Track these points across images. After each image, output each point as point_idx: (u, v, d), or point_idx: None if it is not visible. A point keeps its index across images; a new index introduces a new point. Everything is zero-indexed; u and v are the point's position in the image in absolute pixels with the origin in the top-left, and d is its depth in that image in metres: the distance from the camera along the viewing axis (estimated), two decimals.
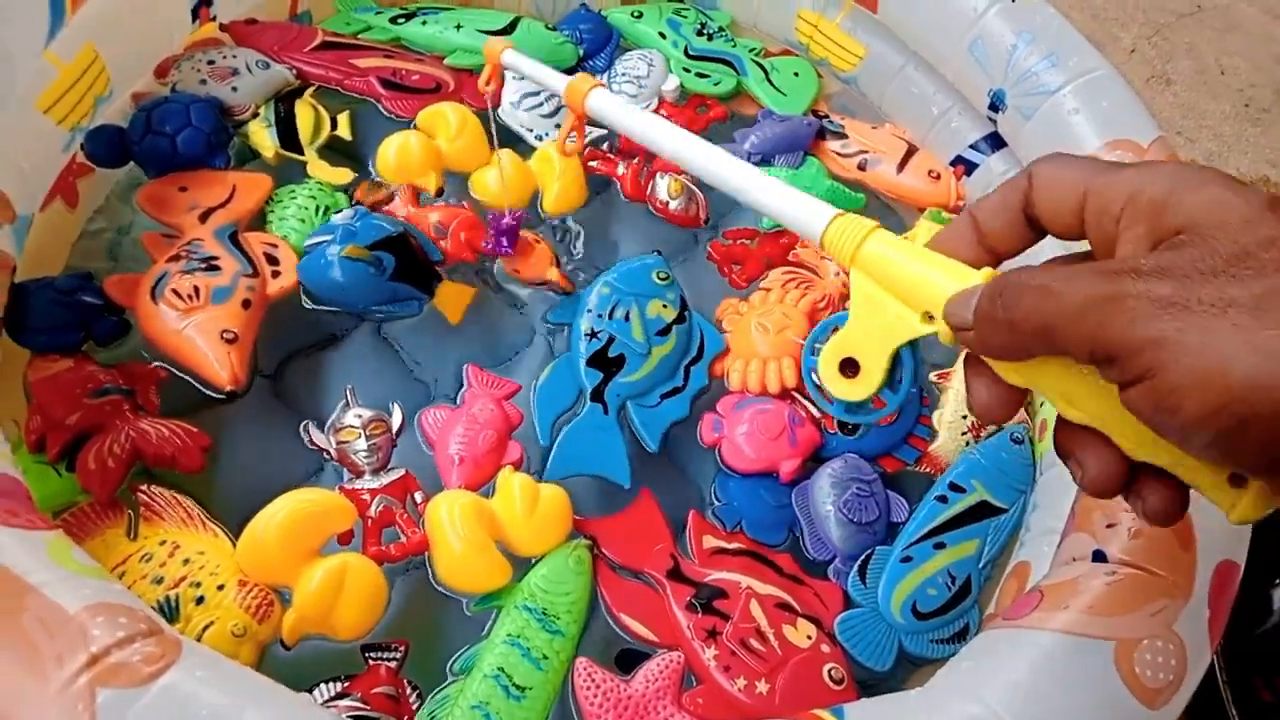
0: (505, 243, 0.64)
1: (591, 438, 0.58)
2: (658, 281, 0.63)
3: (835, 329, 0.38)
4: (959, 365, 0.66)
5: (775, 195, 0.40)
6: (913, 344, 0.37)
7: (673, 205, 0.72)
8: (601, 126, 0.60)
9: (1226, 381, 0.25)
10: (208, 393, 0.56)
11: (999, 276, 0.31)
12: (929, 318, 0.34)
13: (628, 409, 0.60)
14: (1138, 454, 0.31)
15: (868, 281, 0.36)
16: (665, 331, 0.62)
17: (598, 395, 0.59)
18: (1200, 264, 0.26)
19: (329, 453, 0.56)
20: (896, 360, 0.37)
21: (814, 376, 0.38)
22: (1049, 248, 0.38)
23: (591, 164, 0.72)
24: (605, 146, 0.74)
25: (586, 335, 0.61)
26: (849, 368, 0.37)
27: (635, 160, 0.73)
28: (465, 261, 0.66)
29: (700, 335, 0.64)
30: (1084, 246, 0.33)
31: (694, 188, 0.74)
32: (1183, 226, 0.28)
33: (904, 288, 0.35)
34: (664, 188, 0.72)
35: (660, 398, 0.61)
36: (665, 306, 0.63)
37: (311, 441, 0.56)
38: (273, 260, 0.61)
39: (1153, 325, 0.26)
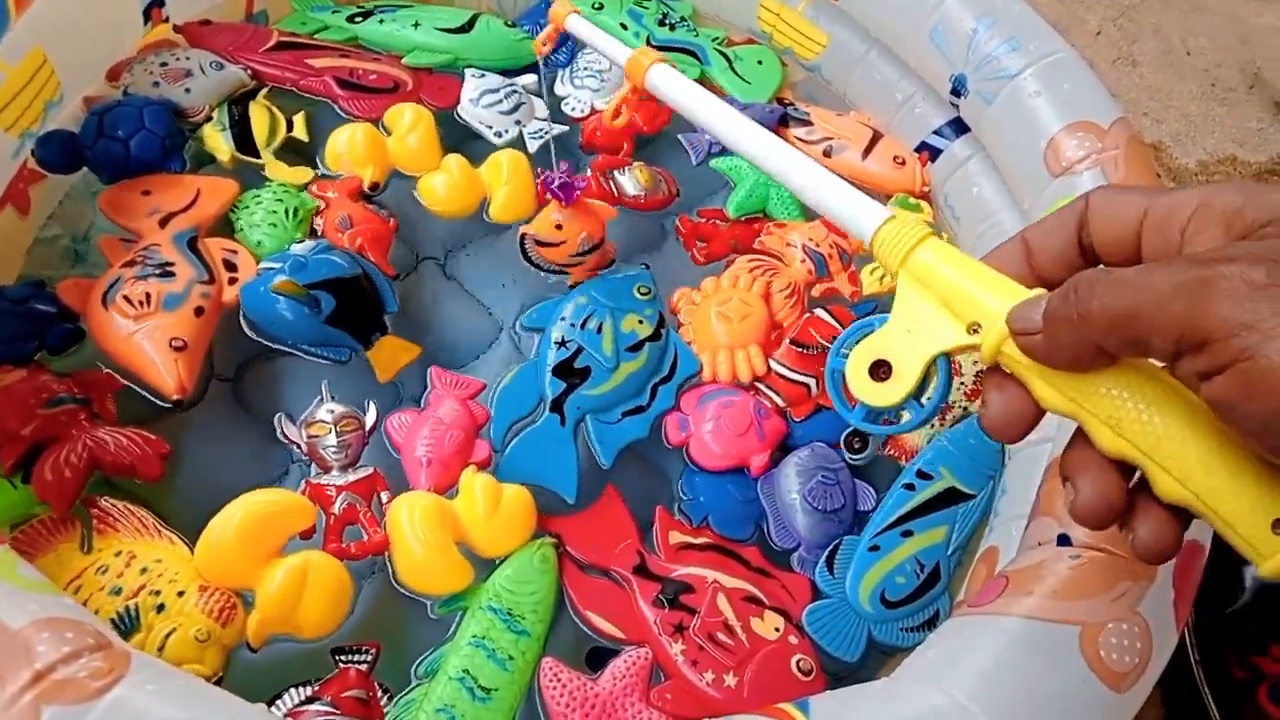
0: (563, 194, 0.62)
1: (543, 448, 0.57)
2: (638, 296, 0.63)
3: (867, 334, 0.37)
4: None
5: (827, 189, 0.39)
6: (947, 357, 0.36)
7: (645, 196, 0.71)
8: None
9: None
10: (156, 401, 0.55)
11: (1074, 276, 0.30)
12: (974, 330, 0.34)
13: (586, 423, 0.59)
14: (1175, 491, 0.30)
15: (914, 286, 0.36)
16: (637, 348, 0.61)
17: (557, 405, 0.58)
18: None
19: (300, 446, 0.55)
20: (928, 372, 0.36)
21: (839, 379, 0.37)
22: None
23: (547, 195, 0.71)
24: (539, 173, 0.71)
25: (555, 343, 0.60)
26: (880, 371, 0.36)
27: (589, 174, 0.72)
28: (388, 276, 0.63)
29: (675, 355, 0.63)
30: None
31: (657, 170, 0.73)
32: (1269, 220, 0.28)
33: (953, 298, 0.34)
34: (631, 182, 0.72)
35: (621, 415, 0.60)
36: (641, 322, 0.62)
37: (284, 434, 0.55)
38: (231, 267, 0.60)
39: (1247, 307, 0.25)
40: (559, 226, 0.63)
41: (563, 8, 0.54)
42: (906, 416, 0.37)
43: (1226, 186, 0.30)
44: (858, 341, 0.37)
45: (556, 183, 0.61)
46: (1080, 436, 0.32)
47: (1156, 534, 0.31)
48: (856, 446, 0.57)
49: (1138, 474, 0.32)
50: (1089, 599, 0.43)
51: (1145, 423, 0.30)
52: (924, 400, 0.36)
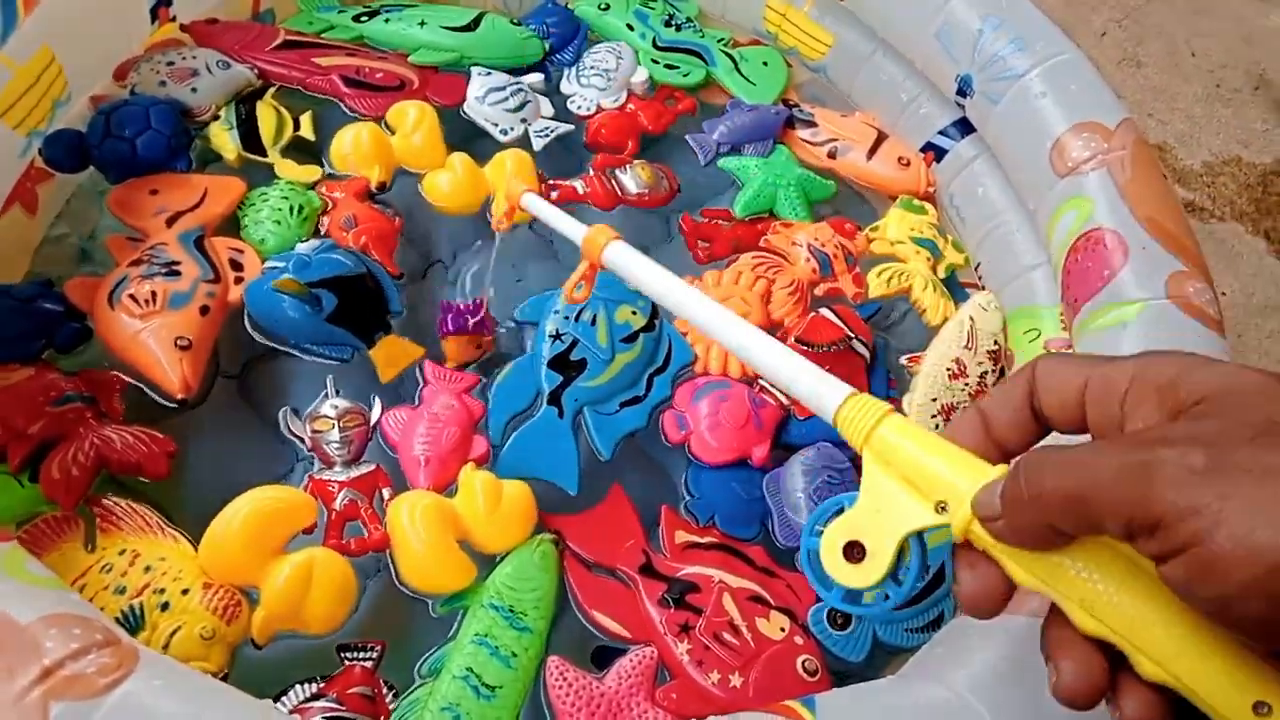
0: (484, 328, 0.62)
1: (543, 441, 0.58)
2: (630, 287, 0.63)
3: (840, 510, 0.36)
4: (930, 349, 0.65)
5: (790, 368, 0.39)
6: (920, 535, 0.35)
7: (648, 193, 0.72)
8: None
9: (1277, 547, 0.24)
10: (161, 400, 0.55)
11: (1021, 457, 0.31)
12: (941, 509, 0.33)
13: (584, 414, 0.59)
14: (1155, 672, 0.29)
15: (879, 465, 0.35)
16: (631, 339, 0.61)
17: (555, 398, 0.59)
18: (1230, 433, 0.26)
19: (304, 440, 0.55)
20: (902, 549, 0.35)
21: (815, 559, 0.36)
22: None
23: (551, 196, 0.71)
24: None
25: (550, 336, 0.60)
26: (854, 551, 0.35)
27: (590, 174, 0.72)
28: (392, 275, 0.63)
29: (669, 345, 0.63)
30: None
31: (658, 166, 0.74)
32: (1200, 399, 0.28)
33: (917, 476, 0.34)
34: (632, 180, 0.72)
35: (619, 406, 0.60)
36: (635, 313, 0.62)
37: (289, 428, 0.56)
38: (237, 266, 0.60)
39: (1193, 493, 0.25)
40: (479, 346, 0.62)
41: (517, 186, 0.55)
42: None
43: (1162, 358, 0.30)
44: (829, 521, 0.36)
45: (472, 323, 0.60)
46: (1058, 613, 0.32)
47: (1143, 712, 0.30)
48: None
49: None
50: None
51: (1115, 604, 0.29)
52: (900, 578, 0.35)
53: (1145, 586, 0.29)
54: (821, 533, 0.36)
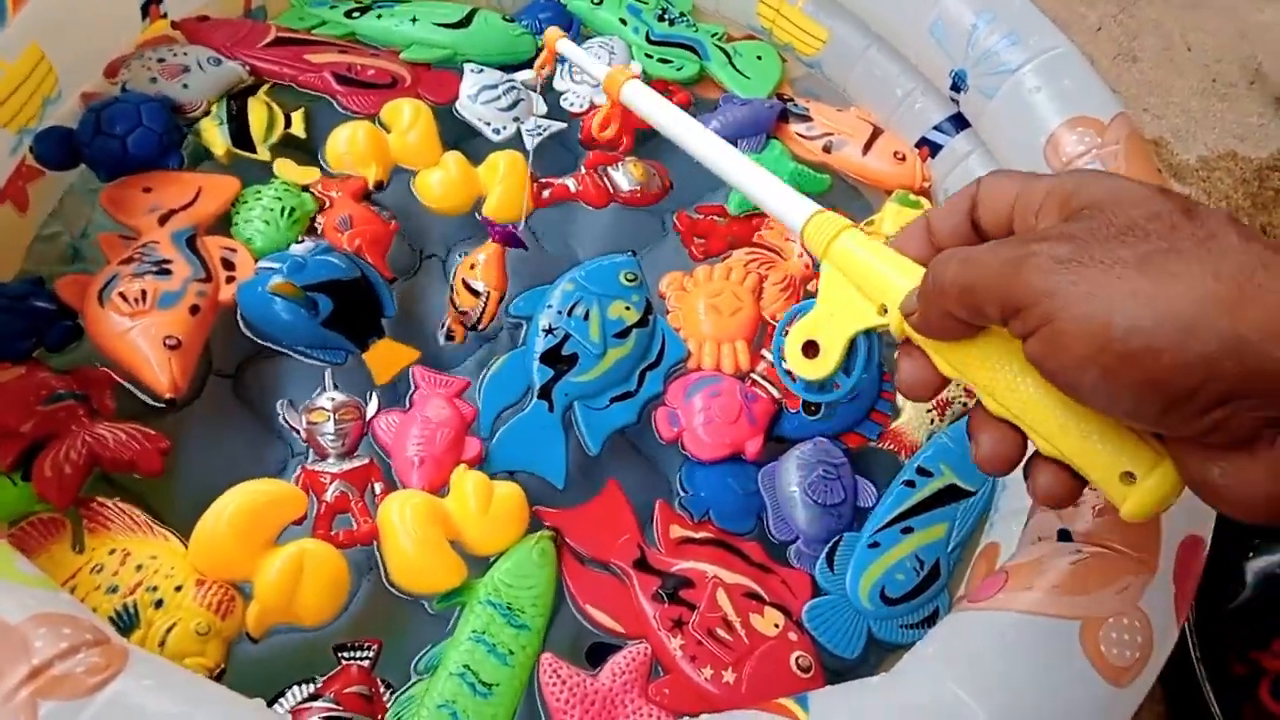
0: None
1: (532, 435, 0.58)
2: (625, 282, 0.63)
3: (801, 316, 0.41)
4: None
5: (767, 189, 0.44)
6: (869, 333, 0.40)
7: (640, 191, 0.71)
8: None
9: (1109, 325, 0.28)
10: (148, 400, 0.55)
11: (934, 258, 0.35)
12: (883, 310, 0.38)
13: (574, 409, 0.59)
14: (1047, 449, 0.34)
15: (835, 274, 0.40)
16: (624, 334, 0.61)
17: (545, 393, 0.59)
18: (1096, 231, 0.30)
19: (300, 431, 0.55)
20: (853, 347, 0.40)
21: (781, 355, 0.42)
22: None
23: (543, 195, 0.71)
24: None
25: (543, 331, 0.60)
26: (811, 349, 0.41)
27: (582, 173, 0.72)
28: (383, 276, 0.63)
29: (662, 341, 0.63)
30: None
31: (650, 164, 0.73)
32: (1087, 205, 0.31)
33: (865, 282, 0.39)
34: (624, 178, 0.72)
35: (610, 401, 0.60)
36: (628, 309, 0.62)
37: (285, 419, 0.56)
38: (229, 265, 0.60)
39: (1050, 279, 0.29)
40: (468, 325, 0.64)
41: (555, 32, 0.62)
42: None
43: (1074, 173, 0.34)
44: (793, 322, 0.41)
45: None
46: (980, 401, 0.37)
47: (1052, 487, 0.35)
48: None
49: None
50: (1090, 594, 0.43)
51: (1012, 390, 0.34)
52: (849, 371, 0.41)
53: (1036, 375, 0.33)
54: (788, 332, 0.42)
